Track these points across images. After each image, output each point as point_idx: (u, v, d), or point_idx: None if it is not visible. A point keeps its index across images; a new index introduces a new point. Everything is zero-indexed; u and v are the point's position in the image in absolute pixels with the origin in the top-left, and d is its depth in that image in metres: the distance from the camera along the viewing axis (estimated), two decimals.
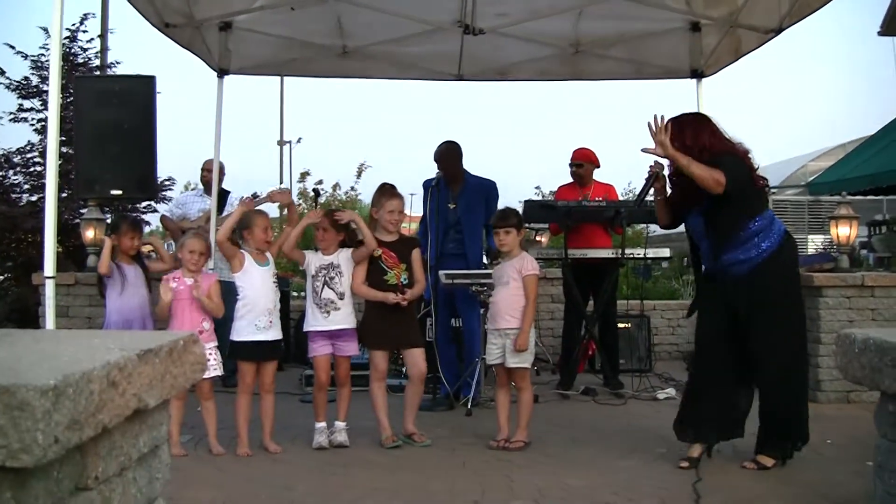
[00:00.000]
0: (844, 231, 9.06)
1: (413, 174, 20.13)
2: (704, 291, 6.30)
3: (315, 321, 6.77)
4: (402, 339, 6.88)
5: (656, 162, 6.03)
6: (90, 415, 1.44)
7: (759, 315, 5.88)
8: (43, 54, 14.28)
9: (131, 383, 1.62)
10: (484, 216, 7.51)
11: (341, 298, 6.75)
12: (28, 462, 1.28)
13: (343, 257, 6.82)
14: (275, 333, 6.68)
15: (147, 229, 13.99)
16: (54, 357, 1.58)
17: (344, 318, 6.77)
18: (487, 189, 8.62)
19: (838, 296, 8.48)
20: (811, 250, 21.37)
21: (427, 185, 8.49)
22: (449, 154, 8.59)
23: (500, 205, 8.14)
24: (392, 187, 7.00)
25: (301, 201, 20.36)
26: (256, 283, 6.63)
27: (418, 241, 7.35)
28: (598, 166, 9.75)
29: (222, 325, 6.87)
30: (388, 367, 6.93)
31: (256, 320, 6.58)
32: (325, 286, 6.74)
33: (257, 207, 7.26)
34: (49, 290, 6.16)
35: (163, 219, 10.06)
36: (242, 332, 6.60)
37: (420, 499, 5.31)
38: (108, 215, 10.45)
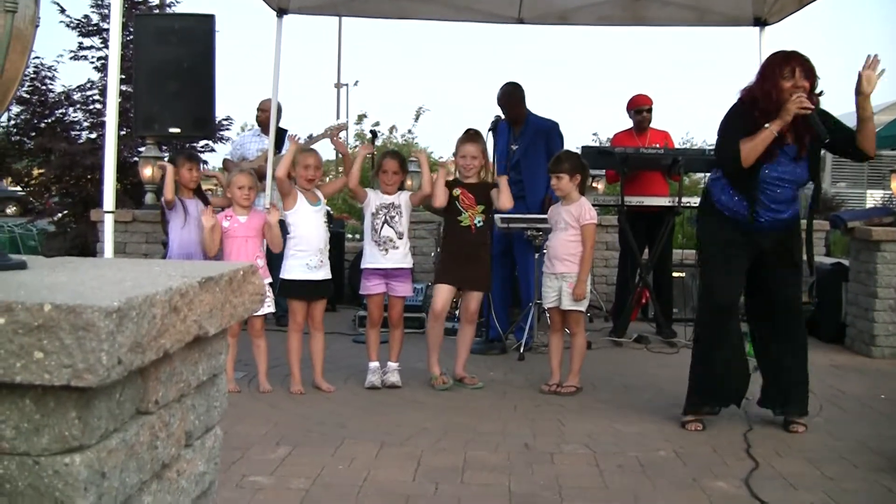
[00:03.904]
0: None
1: (471, 118, 20.07)
2: (735, 241, 5.72)
3: (373, 259, 6.80)
4: (468, 280, 6.88)
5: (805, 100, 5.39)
6: (152, 338, 1.45)
7: (793, 264, 5.77)
8: None
9: (192, 310, 1.63)
10: (545, 158, 7.46)
11: (400, 238, 6.78)
12: (92, 382, 1.30)
13: (403, 198, 6.85)
14: (325, 273, 6.72)
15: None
16: (117, 282, 1.59)
17: (401, 257, 6.80)
18: (548, 130, 8.49)
19: None
20: (870, 204, 21.09)
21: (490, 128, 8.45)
22: (511, 95, 8.53)
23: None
24: (473, 133, 6.99)
25: (358, 143, 20.39)
26: (308, 222, 6.66)
27: (496, 184, 7.28)
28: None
29: (275, 267, 6.91)
30: (447, 307, 6.91)
31: (308, 259, 6.61)
32: (385, 224, 6.76)
33: (313, 146, 7.30)
34: (108, 224, 6.22)
35: (225, 162, 10.12)
36: (293, 270, 6.63)
37: (471, 440, 5.35)
38: (166, 153, 10.54)
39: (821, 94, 5.55)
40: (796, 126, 5.44)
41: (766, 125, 5.42)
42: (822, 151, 5.80)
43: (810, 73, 5.48)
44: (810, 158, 5.59)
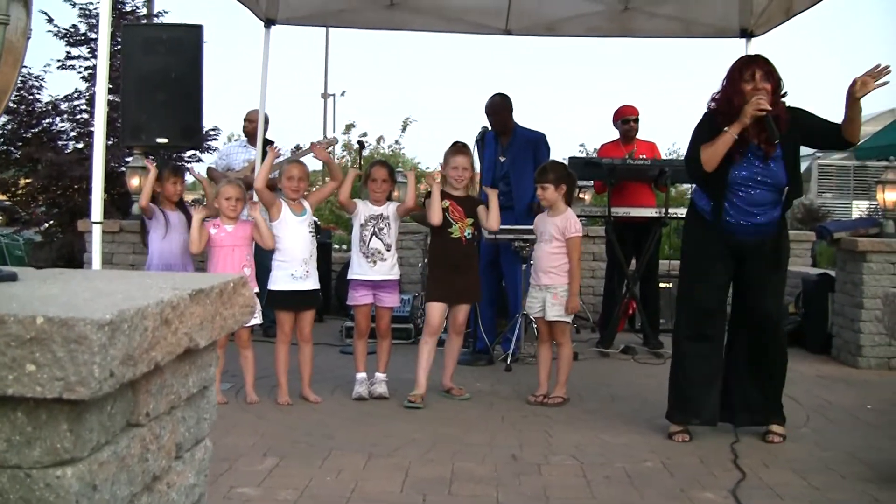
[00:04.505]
0: (892, 196, 8.92)
1: (459, 129, 20.08)
2: (712, 247, 5.77)
3: (360, 270, 6.80)
4: (459, 293, 6.85)
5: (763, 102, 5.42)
6: (144, 351, 1.46)
7: (773, 276, 5.76)
8: (91, 2, 14.35)
9: (183, 322, 1.64)
10: (533, 169, 7.48)
11: (388, 250, 6.78)
12: (84, 394, 1.30)
13: (391, 210, 6.86)
14: (312, 283, 6.72)
15: (191, 179, 14.05)
16: (109, 294, 1.60)
17: (389, 269, 6.80)
18: (536, 141, 8.51)
19: (882, 261, 8.39)
20: (856, 215, 21.16)
21: (477, 139, 8.45)
22: (498, 106, 8.55)
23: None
24: (462, 146, 6.99)
25: (345, 153, 20.40)
26: (292, 233, 6.66)
27: (482, 200, 7.25)
28: None
29: (262, 276, 6.91)
30: (443, 324, 6.92)
31: (293, 270, 6.61)
32: (374, 236, 6.76)
33: (300, 158, 7.30)
34: (96, 234, 6.21)
35: (209, 170, 10.12)
36: (279, 281, 6.64)
37: (459, 451, 5.35)
38: (153, 162, 10.52)
39: (784, 95, 5.62)
40: (761, 127, 5.50)
41: (725, 129, 5.50)
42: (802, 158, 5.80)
43: (771, 76, 5.55)
44: (786, 159, 5.61)
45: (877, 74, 5.25)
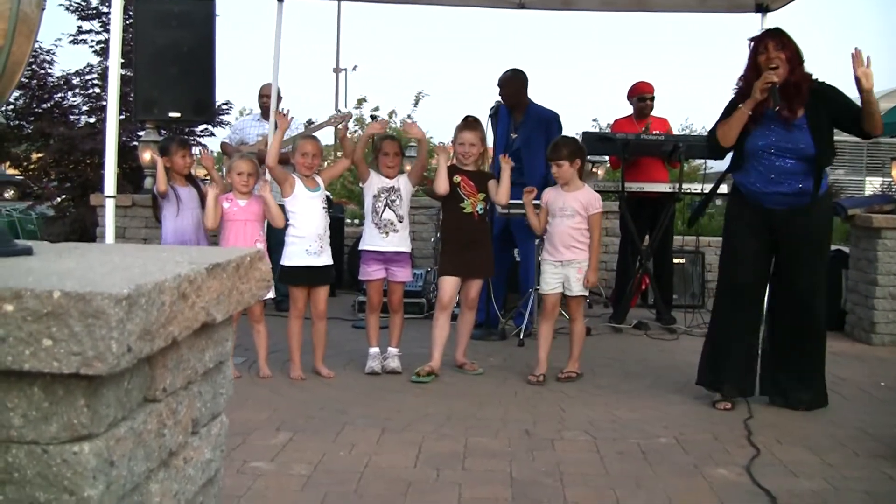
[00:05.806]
0: None
1: (471, 104, 19.96)
2: (746, 221, 5.89)
3: (372, 241, 6.79)
4: (472, 267, 6.83)
5: (772, 75, 5.55)
6: (161, 326, 1.44)
7: (808, 252, 5.78)
8: None
9: (200, 296, 1.62)
10: (545, 147, 7.44)
11: (400, 221, 6.77)
12: (102, 370, 1.29)
13: (402, 182, 6.84)
14: (325, 258, 6.70)
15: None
16: (125, 268, 1.58)
17: (401, 240, 6.80)
18: (549, 120, 8.47)
19: None
20: (869, 192, 21.09)
21: (490, 114, 8.41)
22: (512, 81, 8.51)
23: None
24: (472, 121, 6.93)
25: (357, 128, 20.38)
26: (307, 208, 6.64)
27: (494, 174, 7.21)
28: None
29: (274, 251, 6.90)
30: (455, 299, 6.89)
31: (307, 246, 6.59)
32: (387, 207, 6.75)
33: (313, 133, 7.27)
34: (109, 208, 6.21)
35: (223, 145, 10.10)
36: (293, 257, 6.62)
37: (472, 426, 5.35)
38: (166, 135, 10.50)
39: (801, 62, 5.67)
40: (786, 93, 5.55)
41: (740, 105, 5.64)
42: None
43: (783, 45, 5.62)
44: (812, 126, 5.60)
45: (860, 61, 5.35)
